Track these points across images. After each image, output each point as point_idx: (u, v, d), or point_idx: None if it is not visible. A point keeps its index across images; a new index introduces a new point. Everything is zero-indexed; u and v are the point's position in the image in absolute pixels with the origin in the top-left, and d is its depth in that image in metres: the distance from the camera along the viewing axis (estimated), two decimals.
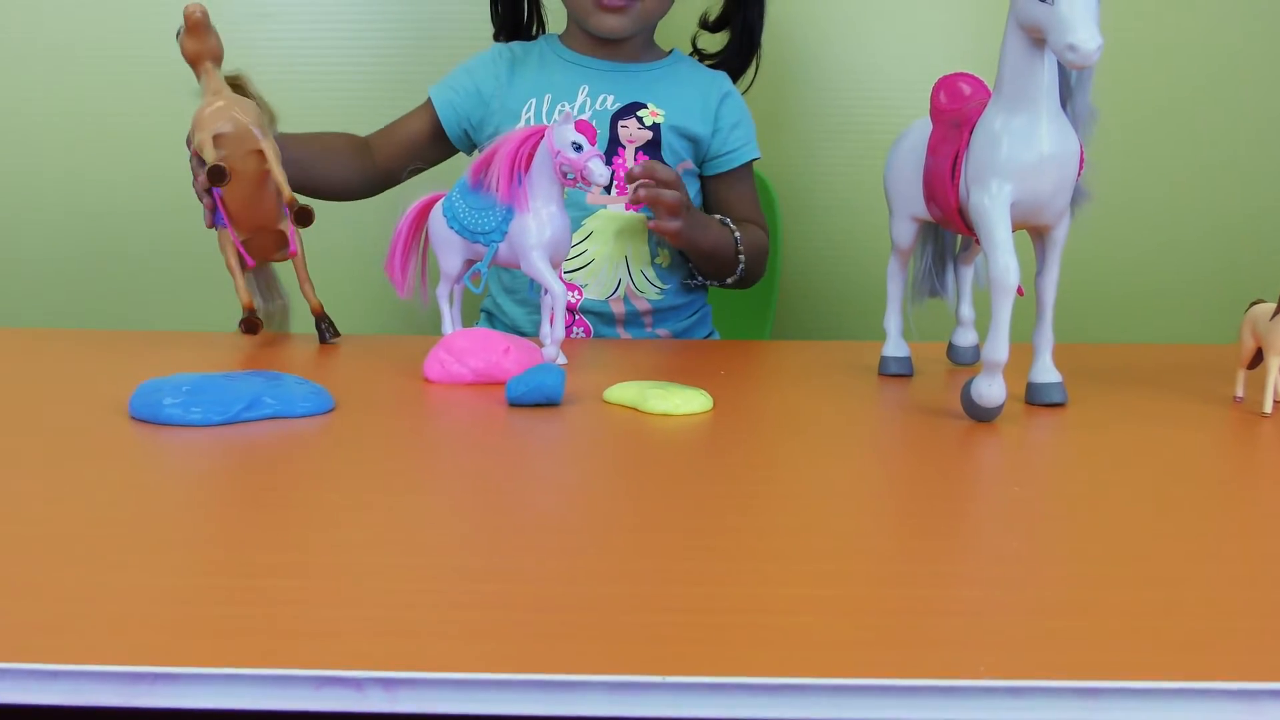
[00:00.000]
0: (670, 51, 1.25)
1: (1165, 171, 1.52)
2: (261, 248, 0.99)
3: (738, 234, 1.16)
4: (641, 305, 1.18)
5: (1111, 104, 1.44)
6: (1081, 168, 0.69)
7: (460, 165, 1.07)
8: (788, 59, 1.49)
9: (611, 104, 1.18)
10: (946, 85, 0.77)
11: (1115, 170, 1.49)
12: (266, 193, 0.96)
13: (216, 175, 0.90)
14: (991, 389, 0.65)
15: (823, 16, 1.51)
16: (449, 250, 0.88)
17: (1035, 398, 0.72)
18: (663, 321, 1.20)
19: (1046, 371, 0.72)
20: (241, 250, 0.97)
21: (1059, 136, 0.66)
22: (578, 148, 0.80)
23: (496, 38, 1.28)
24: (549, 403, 0.70)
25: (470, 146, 1.24)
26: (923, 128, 0.79)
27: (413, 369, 0.81)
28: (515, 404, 0.70)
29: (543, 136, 0.83)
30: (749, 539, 0.43)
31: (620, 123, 1.17)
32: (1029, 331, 0.74)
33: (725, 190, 1.24)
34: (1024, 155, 0.65)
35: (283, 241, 1.00)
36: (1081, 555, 0.42)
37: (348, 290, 1.47)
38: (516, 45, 1.24)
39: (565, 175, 0.82)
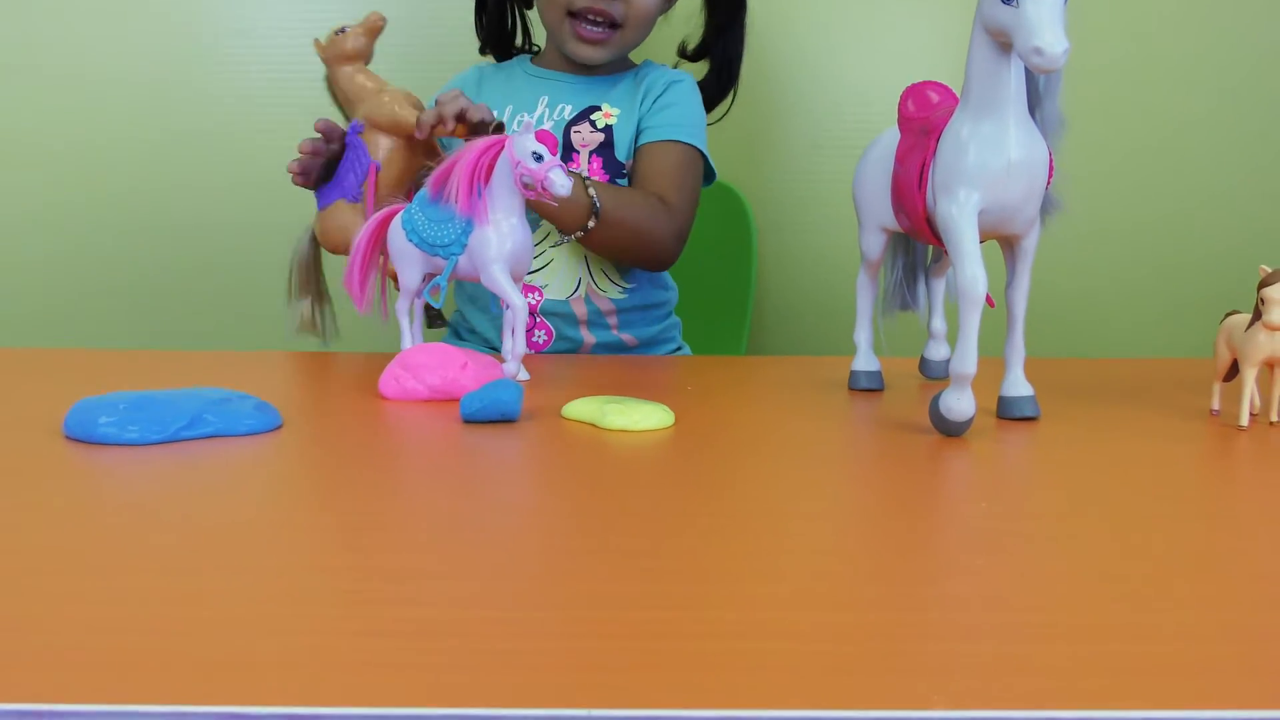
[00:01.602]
0: (643, 63, 1.23)
1: (1139, 181, 1.52)
2: None
3: (588, 180, 1.07)
4: (604, 305, 1.16)
5: (1086, 112, 1.44)
6: (1051, 175, 0.67)
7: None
8: (763, 76, 1.48)
9: (569, 113, 1.17)
10: (914, 93, 0.75)
11: (1086, 180, 1.48)
12: (405, 171, 0.99)
13: (498, 128, 0.95)
14: (960, 402, 0.63)
15: (797, 34, 1.50)
16: (408, 263, 0.86)
17: (1007, 411, 0.70)
18: (629, 325, 1.17)
19: (1018, 384, 0.71)
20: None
21: (1027, 143, 0.64)
22: (538, 158, 0.78)
23: (482, 51, 1.26)
24: (505, 419, 0.67)
25: None
26: (891, 137, 0.78)
27: (368, 385, 0.79)
28: (470, 421, 0.67)
29: (503, 147, 0.81)
30: (705, 561, 0.41)
31: (574, 129, 1.16)
32: (1000, 345, 0.72)
33: (638, 163, 1.15)
34: (991, 162, 0.64)
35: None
36: (1052, 575, 0.40)
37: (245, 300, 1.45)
38: (489, 66, 1.24)
39: (526, 186, 0.80)
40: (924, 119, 0.72)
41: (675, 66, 1.25)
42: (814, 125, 1.52)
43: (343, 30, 0.98)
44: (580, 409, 0.69)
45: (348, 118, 1.01)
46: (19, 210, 1.48)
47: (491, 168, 0.82)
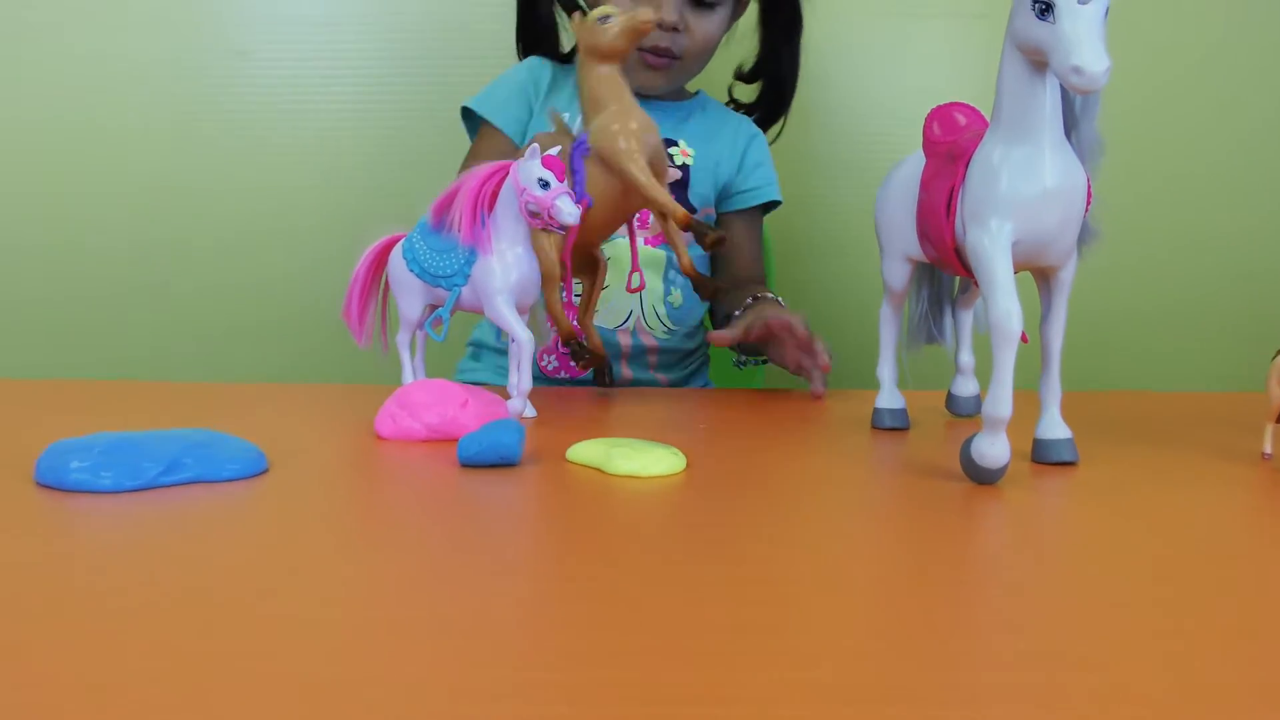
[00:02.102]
0: (697, 93, 1.22)
1: (1183, 205, 1.46)
2: (574, 263, 0.93)
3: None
4: (648, 342, 1.14)
5: (1124, 133, 1.39)
6: (1089, 203, 0.63)
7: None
8: None
9: None
10: (940, 116, 0.71)
11: (1128, 204, 1.43)
12: (615, 217, 0.91)
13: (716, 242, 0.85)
14: (994, 448, 0.58)
15: (817, 53, 1.45)
16: (409, 294, 0.82)
17: (1043, 456, 0.66)
18: (666, 366, 1.16)
19: (1055, 426, 0.66)
20: (568, 262, 0.89)
21: (1064, 169, 0.60)
22: (544, 184, 0.75)
23: (524, 54, 1.22)
24: (505, 463, 0.63)
25: None
26: (916, 162, 0.74)
27: (364, 424, 0.75)
28: (468, 465, 0.63)
29: (507, 173, 0.77)
30: (713, 623, 0.36)
31: None
32: (1034, 378, 0.68)
33: (735, 234, 1.19)
34: (1025, 190, 0.59)
35: (592, 266, 0.95)
36: (1096, 649, 0.35)
37: (304, 337, 1.42)
38: (550, 65, 1.20)
39: (532, 214, 0.76)
40: (951, 143, 0.68)
41: (730, 87, 1.25)
42: (834, 149, 1.48)
43: (606, 19, 0.85)
44: (586, 452, 0.64)
45: (584, 114, 0.90)
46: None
47: (496, 195, 0.78)
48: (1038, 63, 0.58)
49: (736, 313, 1.07)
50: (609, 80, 0.85)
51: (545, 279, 0.85)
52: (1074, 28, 0.53)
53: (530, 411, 0.81)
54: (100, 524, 0.51)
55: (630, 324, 1.14)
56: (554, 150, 0.77)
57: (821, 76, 1.46)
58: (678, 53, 1.10)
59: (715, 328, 1.20)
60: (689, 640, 0.36)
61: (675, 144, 1.16)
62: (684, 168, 1.16)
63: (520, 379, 0.78)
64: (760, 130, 1.23)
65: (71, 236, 1.45)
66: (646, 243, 1.14)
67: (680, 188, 1.16)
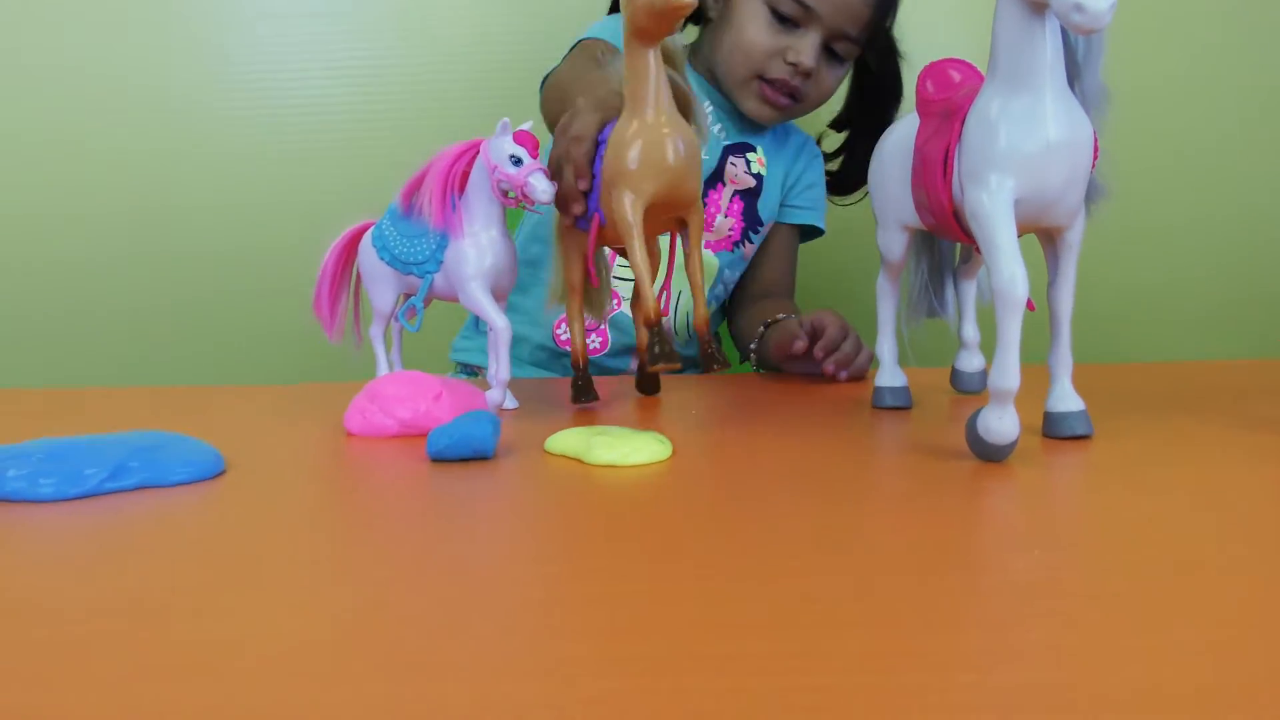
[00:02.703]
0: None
1: (1199, 159, 1.40)
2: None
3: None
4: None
5: (1135, 92, 1.34)
6: (1096, 157, 0.58)
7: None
8: None
9: (724, 136, 1.12)
10: (934, 72, 0.66)
11: (1139, 157, 1.38)
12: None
13: None
14: (1002, 423, 0.54)
15: None
16: (381, 284, 0.78)
17: (1054, 430, 0.61)
18: (683, 370, 1.12)
19: (1066, 398, 0.61)
20: (591, 269, 0.77)
21: (1067, 120, 0.55)
22: (516, 161, 0.70)
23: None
24: (479, 456, 0.59)
25: None
26: (910, 124, 0.69)
27: (333, 421, 0.71)
28: (439, 459, 0.59)
29: (478, 152, 0.73)
30: (695, 623, 0.32)
31: (731, 157, 1.12)
32: (1042, 350, 0.63)
33: (771, 243, 1.17)
34: (1026, 144, 0.55)
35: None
36: (1119, 642, 0.31)
37: (273, 332, 1.38)
38: None
39: (505, 193, 0.72)
40: (945, 101, 0.64)
41: (820, 137, 1.22)
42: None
43: None
44: (565, 442, 0.60)
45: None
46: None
47: (467, 175, 0.74)
48: (1035, 4, 0.53)
49: (752, 345, 1.05)
50: (640, 72, 0.66)
51: (569, 289, 0.79)
52: None
53: (511, 403, 0.77)
54: (37, 535, 0.47)
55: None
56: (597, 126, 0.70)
57: None
58: (801, 97, 1.07)
59: (736, 344, 1.19)
60: (660, 626, 0.32)
61: (753, 150, 1.13)
62: (758, 176, 1.13)
63: (499, 368, 0.74)
64: (820, 154, 1.20)
65: (49, 247, 1.41)
66: (706, 245, 1.11)
67: (751, 196, 1.13)
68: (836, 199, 1.22)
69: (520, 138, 0.71)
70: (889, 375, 0.75)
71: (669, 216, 0.70)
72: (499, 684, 0.29)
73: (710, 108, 1.11)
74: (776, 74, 1.05)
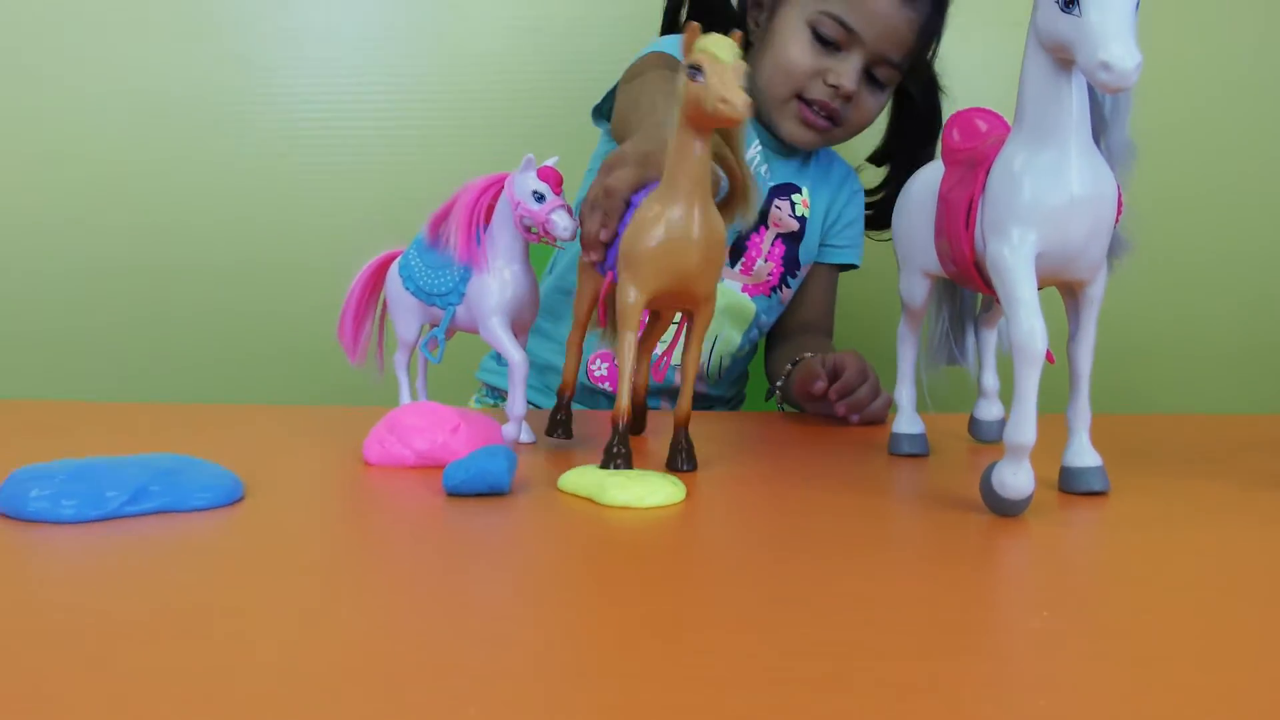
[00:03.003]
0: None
1: (1222, 216, 1.39)
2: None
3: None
4: (700, 389, 1.11)
5: (1161, 139, 1.34)
6: (1120, 212, 0.58)
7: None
8: None
9: (768, 175, 1.11)
10: (960, 121, 0.67)
11: (1163, 208, 1.37)
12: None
13: None
14: (1017, 478, 0.54)
15: None
16: (405, 314, 0.79)
17: (1071, 485, 0.61)
18: (707, 407, 1.13)
19: (1084, 453, 0.61)
20: (602, 310, 0.75)
21: (1092, 175, 0.55)
22: (539, 197, 0.71)
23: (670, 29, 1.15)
24: (494, 492, 0.59)
25: None
26: (934, 171, 0.69)
27: (352, 449, 0.71)
28: (454, 494, 0.59)
29: (503, 187, 0.74)
30: (700, 677, 0.32)
31: (776, 200, 1.11)
32: (1061, 400, 0.63)
33: (811, 282, 1.17)
34: (1050, 198, 0.55)
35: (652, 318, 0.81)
36: (1131, 707, 0.30)
37: (294, 350, 1.39)
38: None
39: (528, 229, 0.73)
40: (971, 150, 0.64)
41: (859, 169, 1.21)
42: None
43: (696, 73, 0.60)
44: (578, 481, 0.60)
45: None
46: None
47: (491, 209, 0.74)
48: (1063, 60, 0.53)
49: (779, 382, 1.04)
50: (683, 156, 0.62)
51: (575, 321, 0.78)
52: (1102, 20, 0.49)
53: (527, 436, 0.77)
54: (59, 555, 0.48)
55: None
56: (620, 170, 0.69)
57: None
58: (840, 121, 1.06)
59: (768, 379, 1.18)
60: (665, 684, 0.32)
61: (799, 191, 1.13)
62: (801, 219, 1.13)
63: (514, 402, 0.74)
64: (860, 186, 1.19)
65: (71, 257, 1.43)
66: (744, 289, 1.11)
67: (794, 240, 1.13)
68: (874, 234, 1.21)
69: (544, 174, 0.72)
70: (907, 422, 0.74)
71: (676, 307, 0.70)
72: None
73: (759, 148, 1.10)
74: (816, 95, 1.04)
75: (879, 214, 1.20)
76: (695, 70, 0.60)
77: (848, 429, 0.87)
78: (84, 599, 0.41)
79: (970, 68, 1.39)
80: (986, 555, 0.50)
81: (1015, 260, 0.55)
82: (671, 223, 0.63)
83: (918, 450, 0.74)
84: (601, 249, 0.69)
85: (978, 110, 0.67)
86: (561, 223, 0.70)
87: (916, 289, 0.73)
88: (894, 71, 1.05)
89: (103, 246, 1.42)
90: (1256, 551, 0.50)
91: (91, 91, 1.41)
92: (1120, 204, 0.58)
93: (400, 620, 0.39)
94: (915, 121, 1.16)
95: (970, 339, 0.79)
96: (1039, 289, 0.58)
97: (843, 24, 1.01)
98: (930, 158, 1.13)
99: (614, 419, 0.65)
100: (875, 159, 1.21)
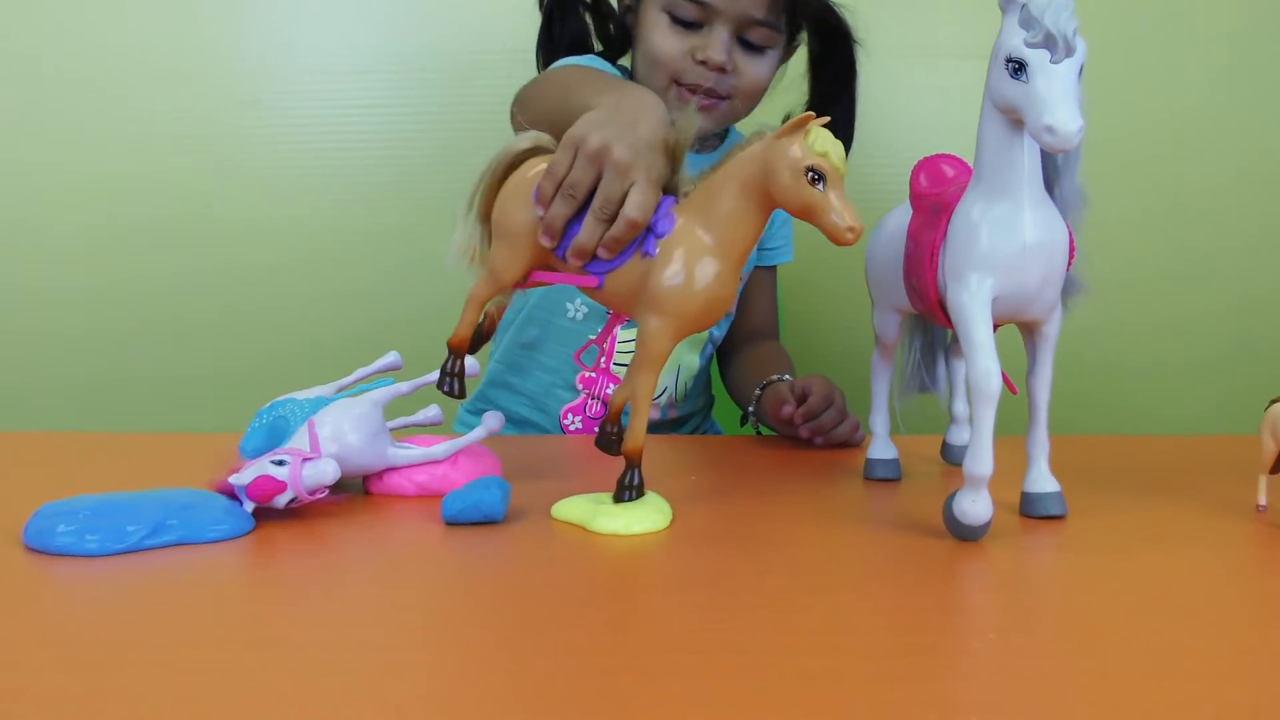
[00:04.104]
0: (728, 132, 1.15)
1: (1169, 237, 1.44)
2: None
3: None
4: (672, 414, 1.14)
5: (1112, 164, 1.39)
6: (1072, 257, 0.62)
7: None
8: None
9: None
10: (927, 167, 0.71)
11: (1114, 240, 1.42)
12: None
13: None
14: (975, 506, 0.58)
15: None
16: None
17: (1031, 509, 0.65)
18: (679, 427, 1.17)
19: (1042, 480, 0.65)
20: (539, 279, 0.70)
21: (1044, 224, 0.60)
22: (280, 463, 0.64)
23: (550, 60, 1.11)
24: (489, 521, 0.63)
25: None
26: (903, 213, 0.74)
27: (355, 480, 0.75)
28: (452, 523, 0.63)
29: None
30: (684, 700, 0.36)
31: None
32: (1022, 425, 0.67)
33: (755, 288, 1.18)
34: (1005, 246, 0.59)
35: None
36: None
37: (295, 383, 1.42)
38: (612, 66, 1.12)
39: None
40: (937, 196, 0.68)
41: None
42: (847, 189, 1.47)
43: (818, 178, 0.60)
44: (570, 510, 0.64)
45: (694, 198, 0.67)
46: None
47: None
48: (1015, 120, 0.58)
49: (750, 409, 1.05)
50: (739, 230, 0.63)
51: (492, 279, 0.69)
52: (1047, 87, 0.54)
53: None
54: (84, 587, 0.52)
55: (662, 400, 1.13)
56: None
57: None
58: (724, 94, 1.04)
59: (733, 398, 1.18)
60: (669, 713, 0.36)
61: None
62: None
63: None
64: None
65: (83, 283, 1.46)
66: None
67: None
68: None
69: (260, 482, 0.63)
70: (880, 448, 0.79)
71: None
72: None
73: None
74: (691, 78, 1.02)
75: None
76: (817, 177, 0.59)
77: (824, 455, 0.91)
78: (110, 628, 0.45)
79: (952, 100, 1.44)
80: (946, 580, 0.54)
81: (973, 305, 0.59)
82: (720, 281, 0.63)
83: (890, 475, 0.78)
84: (590, 259, 0.66)
85: (944, 156, 0.71)
86: (310, 474, 0.64)
87: (888, 324, 0.77)
88: (769, 31, 1.03)
89: (119, 276, 1.46)
90: (1203, 573, 0.55)
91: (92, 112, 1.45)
92: (1072, 249, 0.62)
93: (404, 641, 0.43)
94: (830, 76, 1.13)
95: (941, 369, 0.83)
96: (998, 328, 0.63)
97: (694, 0, 1.00)
98: (849, 111, 1.13)
99: (629, 454, 0.66)
100: None
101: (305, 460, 0.64)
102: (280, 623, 0.47)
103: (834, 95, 1.13)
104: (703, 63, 1.01)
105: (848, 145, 1.16)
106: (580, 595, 0.51)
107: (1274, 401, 0.66)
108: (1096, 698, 0.38)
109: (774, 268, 1.21)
